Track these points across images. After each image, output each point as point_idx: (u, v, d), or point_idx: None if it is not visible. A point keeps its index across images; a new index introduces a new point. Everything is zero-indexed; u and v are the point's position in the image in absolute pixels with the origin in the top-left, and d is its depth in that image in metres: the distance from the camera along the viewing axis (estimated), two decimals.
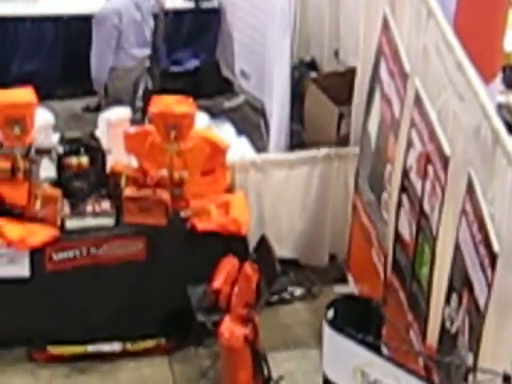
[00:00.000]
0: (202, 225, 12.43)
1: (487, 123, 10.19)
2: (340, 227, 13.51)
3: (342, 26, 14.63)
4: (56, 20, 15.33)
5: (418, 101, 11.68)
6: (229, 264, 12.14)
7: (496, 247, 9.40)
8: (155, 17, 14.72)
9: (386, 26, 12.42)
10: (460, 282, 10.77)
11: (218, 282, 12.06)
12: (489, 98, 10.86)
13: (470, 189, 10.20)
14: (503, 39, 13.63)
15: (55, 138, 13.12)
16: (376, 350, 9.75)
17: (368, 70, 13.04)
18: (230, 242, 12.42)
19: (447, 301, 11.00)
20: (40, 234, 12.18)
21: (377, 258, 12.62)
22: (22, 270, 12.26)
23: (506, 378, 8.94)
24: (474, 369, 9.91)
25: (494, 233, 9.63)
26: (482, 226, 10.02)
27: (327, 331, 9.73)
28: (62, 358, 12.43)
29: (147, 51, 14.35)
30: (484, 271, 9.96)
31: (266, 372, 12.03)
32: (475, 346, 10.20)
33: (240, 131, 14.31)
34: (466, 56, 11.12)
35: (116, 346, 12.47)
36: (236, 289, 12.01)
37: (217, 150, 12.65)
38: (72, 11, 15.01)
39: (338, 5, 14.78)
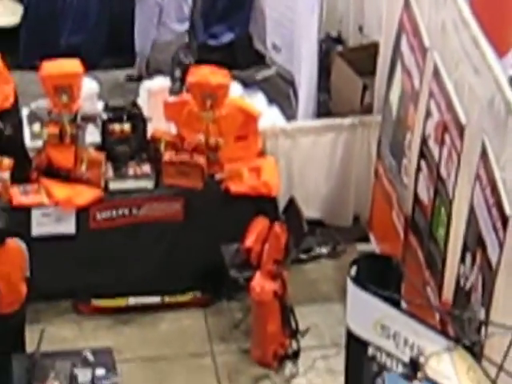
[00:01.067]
0: (235, 187, 12.89)
1: (500, 95, 10.63)
2: (363, 190, 13.94)
3: (367, 3, 14.91)
4: None
5: (436, 73, 12.13)
6: (260, 224, 12.51)
7: (508, 210, 10.00)
8: None
9: (407, 3, 12.80)
10: (474, 243, 11.18)
11: (249, 241, 12.40)
12: (502, 72, 11.34)
13: (484, 156, 10.73)
14: None
15: (100, 105, 13.65)
16: (395, 304, 9.64)
17: (390, 44, 13.45)
18: (261, 204, 12.88)
19: (462, 260, 11.47)
20: (85, 195, 12.71)
21: (397, 220, 13.00)
22: (69, 227, 12.70)
23: None
24: (486, 323, 10.37)
25: (506, 197, 10.15)
26: (495, 190, 10.53)
27: (351, 287, 9.71)
28: (105, 310, 12.86)
29: (186, 26, 14.54)
30: (496, 232, 10.45)
31: (293, 324, 12.51)
32: (487, 301, 10.70)
33: (271, 100, 14.62)
34: (480, 31, 11.50)
35: (155, 299, 12.94)
36: (266, 247, 12.37)
37: (249, 118, 13.07)
38: None
39: None
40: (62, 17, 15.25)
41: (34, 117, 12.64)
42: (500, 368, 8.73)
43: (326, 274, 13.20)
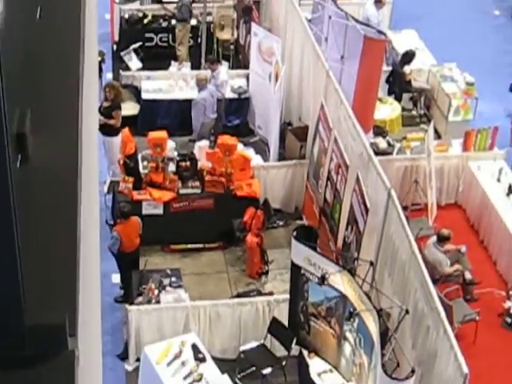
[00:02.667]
0: (239, 193, 12.86)
1: (365, 151, 11.14)
2: (300, 194, 13.71)
3: (303, 105, 14.37)
4: (177, 101, 14.71)
5: (335, 141, 12.22)
6: (250, 210, 12.51)
7: (368, 205, 10.65)
8: (219, 100, 14.29)
9: (322, 105, 12.70)
10: (352, 221, 11.44)
11: (245, 218, 12.49)
12: (366, 140, 11.71)
13: (358, 180, 11.08)
14: (373, 113, 14.07)
15: (175, 153, 13.42)
16: (314, 249, 10.02)
17: (314, 126, 13.18)
18: (251, 201, 12.81)
19: (346, 229, 11.74)
20: (167, 195, 12.71)
21: (316, 209, 13.03)
22: (159, 211, 12.65)
23: (371, 263, 9.68)
24: (357, 259, 10.28)
25: (367, 200, 10.62)
26: (362, 196, 10.91)
27: (293, 241, 10.13)
28: (177, 250, 12.76)
29: (215, 115, 14.20)
30: (363, 216, 10.93)
31: (266, 258, 12.50)
32: (358, 248, 10.98)
33: (256, 152, 14.43)
34: (357, 120, 11.56)
35: (200, 245, 12.80)
36: (254, 221, 12.41)
37: (246, 160, 13.26)
38: (183, 97, 14.60)
39: (301, 95, 14.35)
40: (158, 110, 14.72)
41: (144, 158, 12.81)
42: (363, 280, 9.19)
43: (282, 235, 13.15)
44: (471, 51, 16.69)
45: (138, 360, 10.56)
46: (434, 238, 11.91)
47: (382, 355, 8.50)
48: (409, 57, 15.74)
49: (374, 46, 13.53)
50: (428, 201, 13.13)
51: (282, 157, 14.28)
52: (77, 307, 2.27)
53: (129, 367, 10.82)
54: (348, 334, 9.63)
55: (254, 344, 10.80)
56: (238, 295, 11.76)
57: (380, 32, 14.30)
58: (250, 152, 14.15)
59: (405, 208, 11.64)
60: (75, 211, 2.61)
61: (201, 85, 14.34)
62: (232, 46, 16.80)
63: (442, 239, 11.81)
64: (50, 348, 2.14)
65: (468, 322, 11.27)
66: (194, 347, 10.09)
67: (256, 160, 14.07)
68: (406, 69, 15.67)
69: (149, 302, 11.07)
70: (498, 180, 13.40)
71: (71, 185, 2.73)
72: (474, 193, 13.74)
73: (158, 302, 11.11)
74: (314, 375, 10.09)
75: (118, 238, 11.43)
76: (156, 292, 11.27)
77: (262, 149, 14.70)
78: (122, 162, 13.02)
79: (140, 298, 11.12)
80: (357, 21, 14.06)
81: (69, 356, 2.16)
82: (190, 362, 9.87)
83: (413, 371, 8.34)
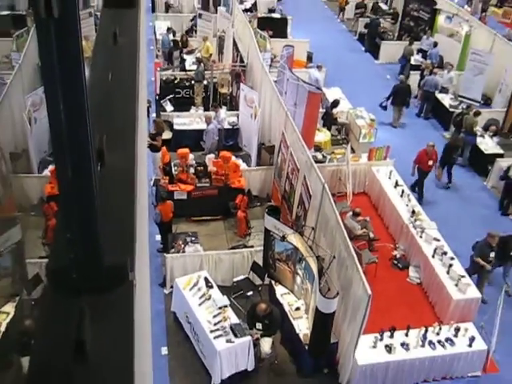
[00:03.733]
0: (233, 186, 12.51)
1: (309, 160, 11.00)
2: (270, 187, 13.25)
3: (272, 132, 13.94)
4: (195, 130, 14.20)
5: (291, 154, 11.99)
6: (240, 196, 12.28)
7: (311, 193, 10.57)
8: (220, 130, 13.99)
9: (283, 133, 12.44)
10: (301, 202, 11.15)
11: (237, 200, 12.20)
12: (309, 153, 11.43)
13: (304, 178, 10.96)
14: (314, 137, 13.92)
15: (193, 162, 13.10)
16: (278, 220, 9.92)
17: (278, 146, 12.93)
18: (240, 191, 12.47)
19: (298, 207, 11.44)
20: (189, 187, 12.40)
21: (279, 195, 12.66)
22: (183, 196, 12.29)
23: (313, 228, 9.69)
24: (304, 225, 10.38)
25: (311, 189, 10.50)
26: (307, 188, 10.73)
27: (266, 216, 10.03)
28: (195, 221, 12.36)
29: (217, 138, 13.85)
30: (308, 199, 10.76)
31: (249, 225, 12.23)
32: (305, 220, 10.89)
33: (243, 161, 13.78)
34: (302, 139, 11.43)
35: (208, 217, 12.47)
36: (242, 203, 12.26)
37: (237, 166, 12.90)
38: (199, 128, 14.27)
39: (270, 126, 14.05)
40: (183, 136, 14.29)
41: (175, 165, 12.50)
42: (308, 238, 9.06)
43: (259, 211, 12.59)
44: (373, 100, 16.54)
45: (171, 287, 10.52)
46: (351, 213, 11.90)
47: (319, 283, 8.58)
48: (335, 103, 15.71)
49: (314, 97, 13.49)
50: (347, 190, 13.13)
51: (258, 164, 13.94)
52: (134, 252, 2.29)
53: (166, 291, 10.75)
54: (299, 271, 9.66)
55: (242, 277, 10.77)
56: (232, 248, 11.56)
57: (318, 88, 14.26)
58: (239, 161, 13.76)
59: (333, 195, 11.39)
60: (133, 197, 2.62)
61: (208, 121, 14.14)
62: (228, 97, 16.64)
63: (356, 214, 11.85)
64: (119, 278, 2.15)
65: (371, 264, 11.34)
66: (206, 279, 10.11)
67: (243, 166, 13.65)
68: (334, 111, 15.68)
69: (178, 252, 11.01)
70: (389, 178, 13.45)
71: (131, 180, 2.74)
72: (375, 185, 13.77)
73: (183, 252, 11.02)
74: (278, 296, 10.12)
75: (159, 213, 11.29)
76: (182, 246, 11.22)
77: (246, 159, 14.21)
78: (161, 167, 12.84)
79: (173, 250, 11.05)
80: (304, 81, 14.02)
81: (130, 283, 2.19)
82: (203, 288, 9.91)
83: (338, 293, 8.52)
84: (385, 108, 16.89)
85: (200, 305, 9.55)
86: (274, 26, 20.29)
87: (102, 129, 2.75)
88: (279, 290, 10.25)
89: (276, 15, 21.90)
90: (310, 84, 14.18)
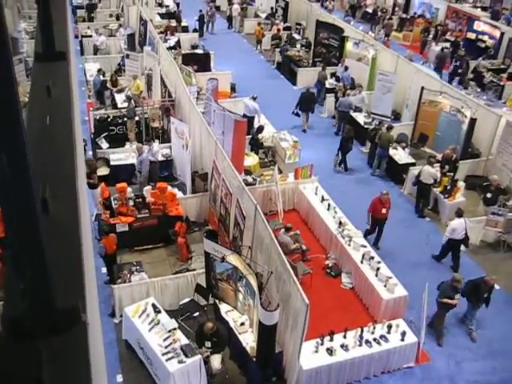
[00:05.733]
0: (171, 214, 12.25)
1: (240, 185, 10.91)
2: (206, 212, 13.05)
3: (203, 160, 13.87)
4: (130, 165, 14.21)
5: (223, 180, 11.85)
6: (178, 223, 12.08)
7: (244, 214, 10.50)
8: (154, 162, 13.97)
9: (214, 161, 12.35)
10: (237, 224, 11.05)
11: (176, 228, 12.00)
12: (240, 178, 11.50)
13: (238, 201, 10.89)
14: (243, 162, 13.98)
15: (132, 194, 12.89)
16: (216, 242, 9.91)
17: (210, 173, 12.74)
18: (178, 218, 12.21)
19: (234, 229, 11.32)
20: (130, 219, 12.18)
21: (216, 219, 12.40)
22: (125, 228, 12.07)
23: (249, 247, 9.56)
24: (241, 245, 10.41)
25: (244, 211, 10.55)
26: (241, 210, 10.74)
27: (204, 239, 9.94)
28: (139, 250, 12.15)
29: (148, 167, 13.71)
30: (242, 221, 10.68)
31: (190, 250, 12.16)
32: (241, 240, 10.81)
33: (179, 189, 13.47)
34: (234, 167, 11.48)
35: (151, 246, 12.26)
36: (181, 229, 12.07)
37: (174, 195, 12.61)
38: (133, 162, 13.92)
39: (201, 155, 13.90)
40: (121, 171, 14.13)
41: (114, 199, 12.05)
42: (246, 257, 9.04)
43: (198, 236, 12.26)
44: (295, 123, 17.09)
45: (121, 316, 10.34)
46: (283, 230, 12.02)
47: (260, 298, 8.62)
48: (260, 129, 16.02)
49: (240, 125, 13.63)
50: (278, 209, 13.32)
51: (194, 191, 13.74)
52: (85, 294, 2.32)
53: (116, 320, 10.57)
54: (240, 288, 9.67)
55: (187, 299, 10.71)
56: (176, 272, 11.45)
57: (245, 116, 14.65)
58: (175, 190, 13.55)
59: (265, 214, 11.71)
60: (78, 233, 2.62)
61: (140, 151, 14.01)
62: (160, 131, 16.53)
63: (287, 229, 12.01)
64: (72, 320, 2.19)
65: (306, 275, 11.49)
66: (153, 305, 10.00)
67: (179, 194, 13.45)
68: (260, 136, 15.93)
69: (124, 281, 10.80)
70: (316, 193, 13.72)
71: (74, 217, 2.74)
72: (303, 202, 13.98)
73: (130, 281, 10.79)
74: (223, 313, 10.10)
75: (103, 246, 11.06)
76: (128, 276, 10.98)
77: (182, 188, 13.97)
78: (102, 202, 12.61)
79: (119, 280, 10.85)
80: (230, 111, 14.14)
81: (83, 324, 2.21)
82: (151, 314, 9.79)
83: (278, 305, 8.60)
84: (297, 114, 18.15)
85: (150, 330, 9.42)
86: (198, 61, 20.54)
87: (43, 177, 2.72)
88: (223, 307, 10.22)
89: (199, 51, 22.20)
90: (233, 113, 14.21)
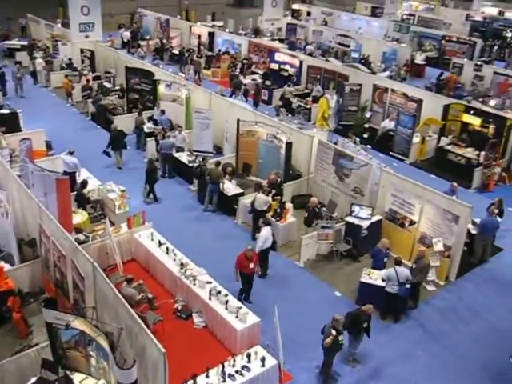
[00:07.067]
0: (1, 289, 11.06)
1: (73, 244, 10.27)
2: (40, 279, 11.88)
3: (28, 224, 12.92)
4: None
5: (53, 242, 11.02)
6: (11, 298, 11.04)
7: (82, 275, 9.71)
8: None
9: (40, 225, 11.50)
10: (76, 286, 10.19)
11: (9, 303, 10.92)
12: (71, 237, 10.93)
13: (73, 262, 10.13)
14: (71, 220, 13.43)
15: None
16: (56, 310, 9.30)
17: (38, 237, 11.91)
18: (11, 293, 11.04)
19: (73, 292, 10.53)
20: None
21: (53, 285, 11.32)
22: None
23: (93, 307, 9.15)
24: (84, 307, 9.70)
25: (81, 271, 9.77)
26: (77, 271, 9.98)
27: (43, 309, 9.03)
28: None
29: None
30: (81, 282, 9.80)
31: (28, 324, 11.19)
32: (83, 302, 10.12)
33: (5, 261, 11.65)
34: (63, 227, 10.85)
35: None
36: (15, 304, 11.11)
37: (1, 268, 11.36)
38: None
39: (18, 219, 13.01)
40: None
41: None
42: (92, 318, 8.71)
43: (35, 308, 11.14)
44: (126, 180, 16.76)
45: None
46: (125, 282, 11.67)
47: (115, 358, 8.26)
48: (84, 183, 15.44)
49: (62, 183, 13.06)
50: (116, 261, 12.99)
51: (23, 260, 12.55)
52: None
53: None
54: (91, 353, 9.07)
55: (34, 379, 9.70)
56: (16, 352, 10.32)
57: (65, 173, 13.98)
58: (1, 263, 12.21)
59: (104, 270, 11.30)
60: None
61: None
62: None
63: (129, 281, 11.65)
64: None
65: (157, 323, 11.30)
66: None
67: (7, 266, 12.19)
68: (85, 191, 15.38)
69: None
70: (152, 239, 13.64)
71: None
72: (141, 250, 13.78)
73: None
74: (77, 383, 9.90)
75: None
76: None
77: (9, 259, 12.56)
78: None
79: None
80: (49, 171, 13.60)
81: None
82: None
83: (134, 361, 8.22)
84: (108, 154, 19.14)
85: None
86: (6, 122, 19.18)
87: None
88: (77, 377, 9.59)
89: (4, 111, 21.14)
90: (51, 171, 13.68)
